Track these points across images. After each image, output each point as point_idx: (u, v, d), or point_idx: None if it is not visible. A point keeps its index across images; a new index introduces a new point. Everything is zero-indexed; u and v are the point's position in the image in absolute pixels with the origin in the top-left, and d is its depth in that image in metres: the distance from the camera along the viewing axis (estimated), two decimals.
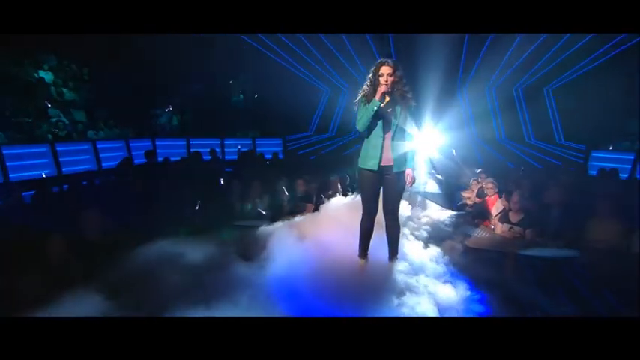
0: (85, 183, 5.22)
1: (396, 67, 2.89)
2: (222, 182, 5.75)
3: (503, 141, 12.30)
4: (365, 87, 2.97)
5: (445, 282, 3.16)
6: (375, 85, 2.90)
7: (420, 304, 2.80)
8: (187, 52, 10.65)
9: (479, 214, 5.22)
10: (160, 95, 11.19)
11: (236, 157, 9.92)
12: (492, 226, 4.78)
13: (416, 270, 3.31)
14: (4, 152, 6.42)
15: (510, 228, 4.44)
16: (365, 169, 3.00)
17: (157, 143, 9.97)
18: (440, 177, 8.44)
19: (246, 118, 12.54)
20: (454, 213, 5.43)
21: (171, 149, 9.83)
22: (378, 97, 2.85)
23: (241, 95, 13.51)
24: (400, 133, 2.98)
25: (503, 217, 4.57)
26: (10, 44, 7.87)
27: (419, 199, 6.26)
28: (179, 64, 10.85)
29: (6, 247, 2.92)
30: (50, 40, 8.92)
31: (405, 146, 3.00)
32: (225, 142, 11.07)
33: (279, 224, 4.23)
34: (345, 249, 3.32)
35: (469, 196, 6.21)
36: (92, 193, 4.79)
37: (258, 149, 11.22)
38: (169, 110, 11.42)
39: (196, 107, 11.74)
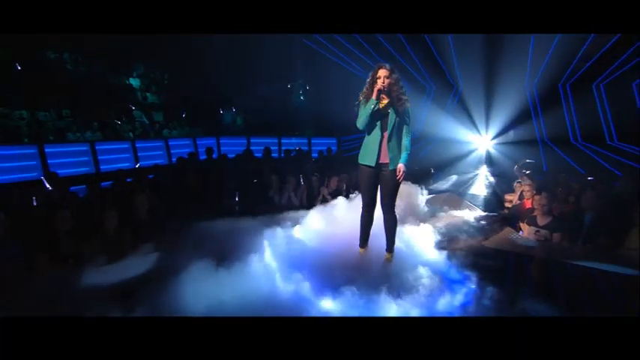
0: (150, 176, 6.15)
1: (393, 70, 3.11)
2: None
3: (578, 142, 11.29)
4: (365, 90, 3.22)
5: (445, 276, 3.25)
6: (373, 87, 3.13)
7: (413, 295, 2.92)
8: (250, 55, 11.59)
9: (512, 216, 5.09)
10: (225, 96, 12.30)
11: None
12: (521, 229, 4.65)
13: (419, 262, 3.42)
14: (96, 147, 7.76)
15: (537, 231, 4.30)
16: (363, 165, 3.25)
17: (220, 141, 11.09)
18: (492, 179, 8.21)
19: (304, 118, 13.20)
20: (485, 214, 5.34)
21: (233, 147, 10.82)
22: (374, 96, 3.08)
23: (302, 96, 14.22)
24: (397, 132, 3.17)
25: (531, 219, 4.43)
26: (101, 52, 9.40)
27: (457, 199, 6.23)
28: (243, 67, 11.87)
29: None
30: (142, 49, 10.48)
31: (401, 145, 3.19)
32: (282, 141, 11.83)
33: (303, 215, 4.62)
34: (350, 239, 3.59)
35: (511, 199, 6.02)
36: (154, 184, 5.66)
37: (313, 148, 11.83)
38: (234, 111, 12.49)
39: (258, 107, 12.65)
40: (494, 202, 6.34)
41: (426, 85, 12.54)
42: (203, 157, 8.96)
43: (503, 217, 5.20)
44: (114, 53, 10.22)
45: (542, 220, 4.32)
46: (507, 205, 5.77)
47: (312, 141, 12.24)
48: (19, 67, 8.49)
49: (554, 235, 4.20)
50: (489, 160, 10.99)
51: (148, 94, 11.41)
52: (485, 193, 7.07)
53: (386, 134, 3.16)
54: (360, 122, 3.19)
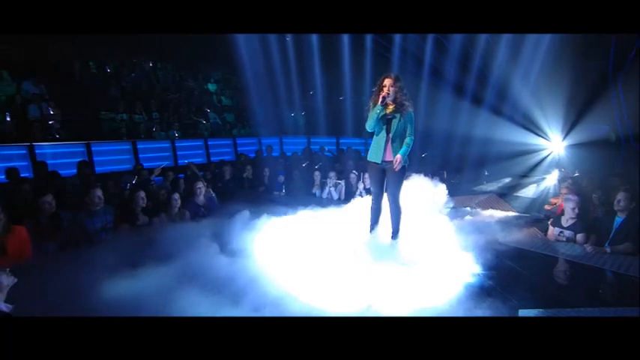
0: (216, 170, 7.20)
1: (397, 79, 3.51)
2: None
3: None
4: (372, 96, 3.66)
5: (453, 273, 3.31)
6: (379, 94, 3.56)
7: (415, 292, 2.93)
8: (312, 57, 12.32)
9: (546, 218, 5.06)
10: (290, 99, 13.23)
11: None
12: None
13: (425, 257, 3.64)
14: (175, 145, 9.17)
15: (560, 232, 4.31)
16: (371, 162, 3.71)
17: (283, 140, 12.08)
18: (549, 183, 7.92)
19: (363, 119, 13.57)
20: (516, 214, 5.36)
21: (294, 146, 11.76)
22: (379, 103, 3.51)
23: (363, 97, 14.65)
24: (400, 134, 3.57)
25: (556, 220, 4.44)
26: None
27: (495, 200, 6.26)
28: (307, 70, 12.65)
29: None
30: (220, 51, 11.82)
31: (404, 145, 3.56)
32: (340, 141, 12.44)
33: (334, 209, 5.16)
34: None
35: (555, 202, 5.89)
36: (216, 176, 6.68)
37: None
38: (297, 112, 13.38)
39: (319, 109, 13.38)
40: (538, 205, 6.21)
41: (494, 85, 12.11)
42: (265, 154, 9.98)
43: (535, 218, 5.18)
44: (196, 58, 11.59)
45: (566, 222, 4.31)
46: (547, 207, 5.67)
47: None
48: (123, 78, 10.33)
49: (578, 236, 4.18)
50: (555, 163, 10.36)
51: (222, 97, 12.84)
52: (532, 196, 6.90)
53: (390, 136, 3.58)
54: (368, 125, 3.64)
